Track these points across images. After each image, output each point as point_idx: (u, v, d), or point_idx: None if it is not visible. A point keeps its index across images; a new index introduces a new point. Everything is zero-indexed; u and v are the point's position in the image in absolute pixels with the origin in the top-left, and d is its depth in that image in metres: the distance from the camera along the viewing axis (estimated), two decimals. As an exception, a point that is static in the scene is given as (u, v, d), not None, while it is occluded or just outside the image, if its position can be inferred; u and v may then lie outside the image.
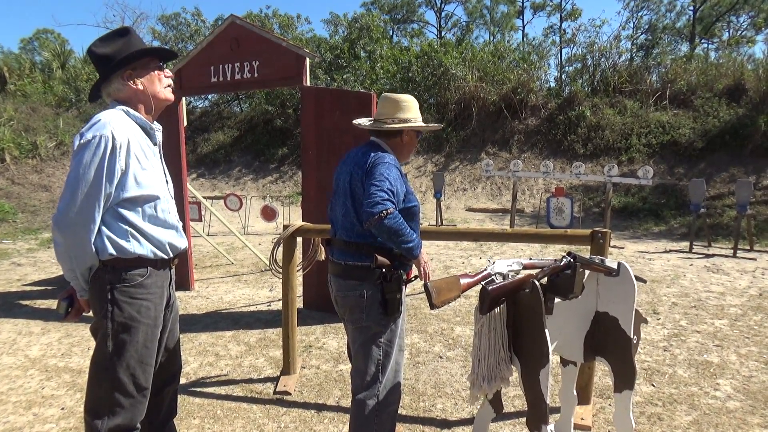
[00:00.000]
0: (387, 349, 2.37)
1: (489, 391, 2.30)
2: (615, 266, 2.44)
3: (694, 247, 8.41)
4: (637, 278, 2.52)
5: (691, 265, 7.29)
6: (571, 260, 2.27)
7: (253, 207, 12.24)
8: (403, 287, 2.34)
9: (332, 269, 2.44)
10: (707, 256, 7.94)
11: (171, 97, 2.15)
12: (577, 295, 2.31)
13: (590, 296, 2.56)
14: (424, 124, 2.52)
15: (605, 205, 9.55)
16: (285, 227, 3.62)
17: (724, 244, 8.89)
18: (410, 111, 2.48)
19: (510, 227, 10.18)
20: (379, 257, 2.27)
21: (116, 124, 1.91)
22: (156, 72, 2.09)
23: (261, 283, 6.62)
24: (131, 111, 2.02)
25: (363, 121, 2.56)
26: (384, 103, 2.49)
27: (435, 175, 11.47)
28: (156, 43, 26.19)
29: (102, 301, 1.96)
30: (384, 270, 2.27)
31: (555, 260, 2.36)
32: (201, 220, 10.64)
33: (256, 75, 5.52)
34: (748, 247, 8.32)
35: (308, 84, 5.28)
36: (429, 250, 8.38)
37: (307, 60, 5.24)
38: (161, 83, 2.10)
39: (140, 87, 2.04)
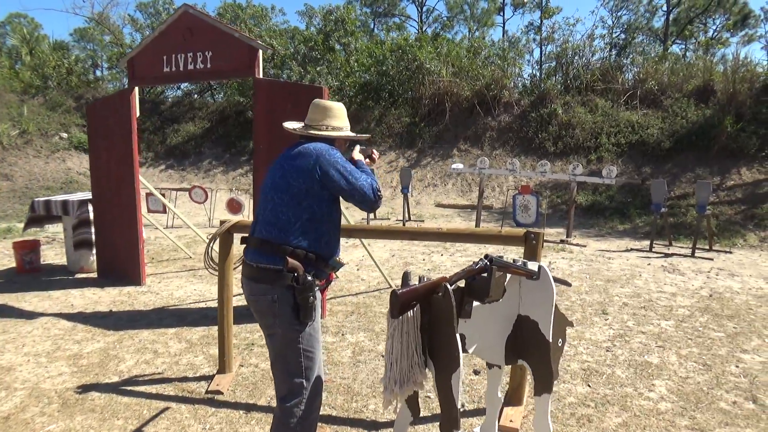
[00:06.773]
0: (308, 354, 2.32)
1: (401, 396, 2.25)
2: (536, 269, 2.41)
3: (654, 246, 8.50)
4: (561, 281, 2.49)
5: (649, 264, 7.36)
6: (487, 263, 2.22)
7: (221, 199, 12.08)
8: (316, 290, 2.28)
9: (244, 271, 2.36)
10: (666, 255, 8.02)
11: None
12: (494, 298, 2.27)
13: (513, 299, 2.53)
14: (353, 134, 2.62)
15: (569, 204, 9.60)
16: (221, 222, 3.54)
17: (684, 243, 8.99)
18: (340, 119, 2.55)
19: (476, 224, 10.20)
20: (291, 260, 2.22)
21: None
22: None
23: (215, 278, 6.49)
24: None
25: (295, 125, 2.57)
26: (314, 109, 2.54)
27: (402, 171, 11.43)
28: (127, 30, 25.73)
29: None
30: (296, 273, 2.22)
31: (474, 263, 2.32)
32: (165, 212, 10.46)
33: (208, 66, 5.40)
34: (707, 247, 8.44)
35: (261, 76, 5.17)
36: (392, 245, 8.34)
37: (260, 52, 5.14)
38: None
39: None
